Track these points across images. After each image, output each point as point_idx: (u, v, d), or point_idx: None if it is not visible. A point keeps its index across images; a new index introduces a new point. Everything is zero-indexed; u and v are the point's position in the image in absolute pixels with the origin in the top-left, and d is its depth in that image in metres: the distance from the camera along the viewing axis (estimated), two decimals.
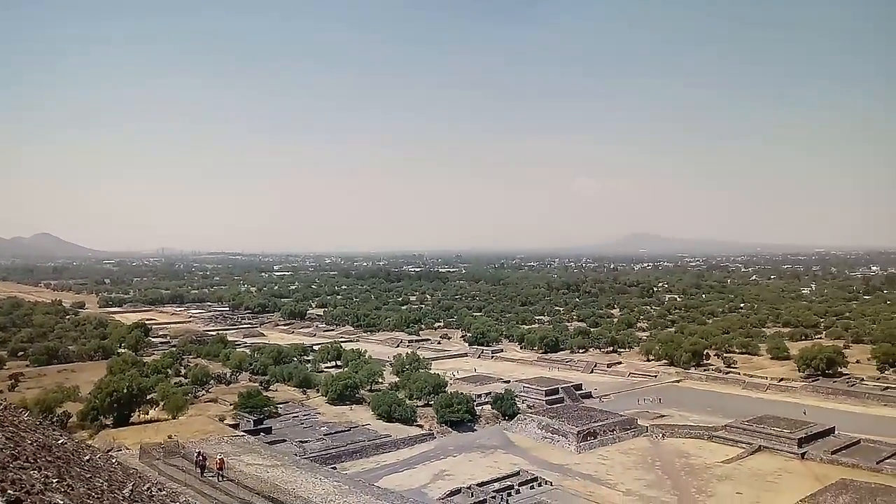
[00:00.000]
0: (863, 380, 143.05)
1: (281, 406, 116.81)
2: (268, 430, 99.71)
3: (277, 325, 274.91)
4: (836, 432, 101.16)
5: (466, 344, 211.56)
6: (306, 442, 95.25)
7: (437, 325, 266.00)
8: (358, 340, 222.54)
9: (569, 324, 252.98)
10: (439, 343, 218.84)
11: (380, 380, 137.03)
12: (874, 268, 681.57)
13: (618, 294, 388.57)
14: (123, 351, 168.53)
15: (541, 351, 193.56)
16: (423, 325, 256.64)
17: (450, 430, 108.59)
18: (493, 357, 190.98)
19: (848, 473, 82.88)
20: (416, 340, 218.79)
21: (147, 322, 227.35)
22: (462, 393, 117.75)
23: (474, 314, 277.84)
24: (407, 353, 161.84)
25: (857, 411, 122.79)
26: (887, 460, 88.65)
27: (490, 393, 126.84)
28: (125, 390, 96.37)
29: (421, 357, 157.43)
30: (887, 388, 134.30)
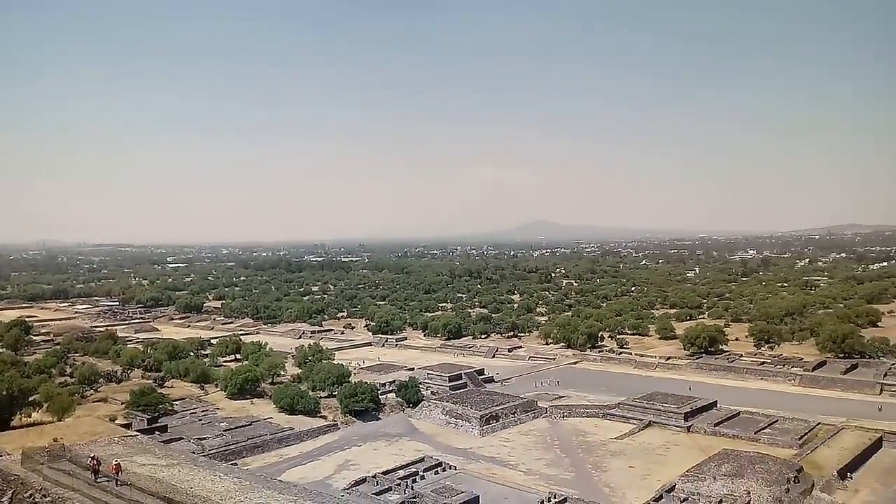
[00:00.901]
0: (741, 356, 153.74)
1: (177, 403, 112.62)
2: (163, 429, 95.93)
3: (172, 319, 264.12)
4: (718, 406, 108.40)
5: (370, 333, 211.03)
6: (205, 439, 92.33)
7: (340, 315, 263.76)
8: (258, 333, 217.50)
9: (471, 310, 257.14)
10: (343, 333, 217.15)
11: (281, 372, 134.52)
12: (751, 251, 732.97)
13: (518, 280, 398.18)
14: (1, 350, 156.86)
15: (444, 338, 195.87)
16: (325, 316, 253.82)
17: (354, 419, 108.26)
18: (397, 345, 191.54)
19: (729, 444, 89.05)
20: (319, 331, 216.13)
21: (27, 319, 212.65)
22: (366, 382, 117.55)
23: (378, 303, 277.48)
24: (309, 345, 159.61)
25: (736, 385, 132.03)
26: (763, 430, 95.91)
27: (394, 381, 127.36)
28: (4, 392, 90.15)
29: (324, 348, 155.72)
30: (763, 363, 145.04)
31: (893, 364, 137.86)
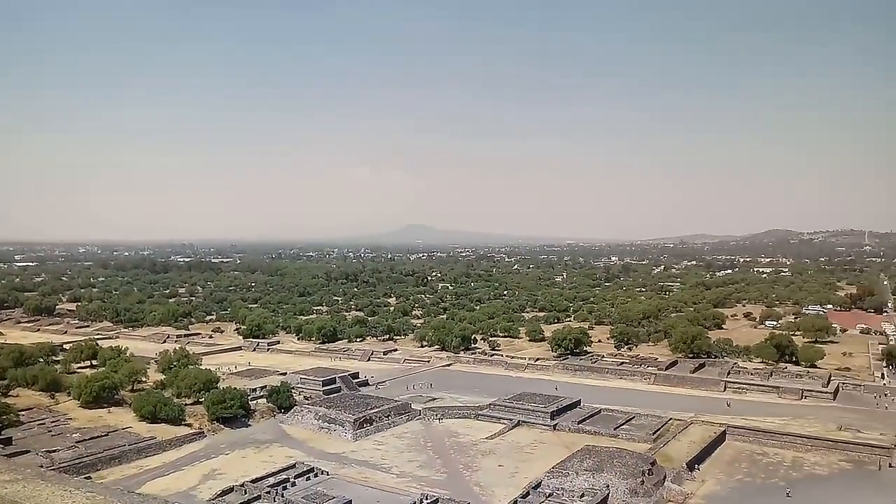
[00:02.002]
0: (603, 356, 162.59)
1: (23, 414, 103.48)
2: (6, 441, 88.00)
3: (19, 322, 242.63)
4: (582, 404, 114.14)
5: (241, 337, 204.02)
6: (54, 451, 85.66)
7: (209, 318, 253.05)
8: (118, 337, 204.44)
9: (347, 313, 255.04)
10: (211, 337, 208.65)
11: (143, 379, 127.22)
12: (613, 258, 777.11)
13: (395, 283, 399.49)
14: None
15: (319, 341, 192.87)
16: (193, 319, 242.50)
17: (222, 427, 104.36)
18: (269, 350, 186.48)
19: (591, 440, 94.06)
20: (186, 335, 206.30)
21: None
22: (235, 388, 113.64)
23: (249, 306, 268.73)
24: (175, 349, 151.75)
25: (599, 385, 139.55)
26: (622, 426, 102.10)
27: (266, 386, 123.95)
28: None
29: (190, 353, 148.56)
30: (622, 363, 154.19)
31: (735, 363, 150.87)
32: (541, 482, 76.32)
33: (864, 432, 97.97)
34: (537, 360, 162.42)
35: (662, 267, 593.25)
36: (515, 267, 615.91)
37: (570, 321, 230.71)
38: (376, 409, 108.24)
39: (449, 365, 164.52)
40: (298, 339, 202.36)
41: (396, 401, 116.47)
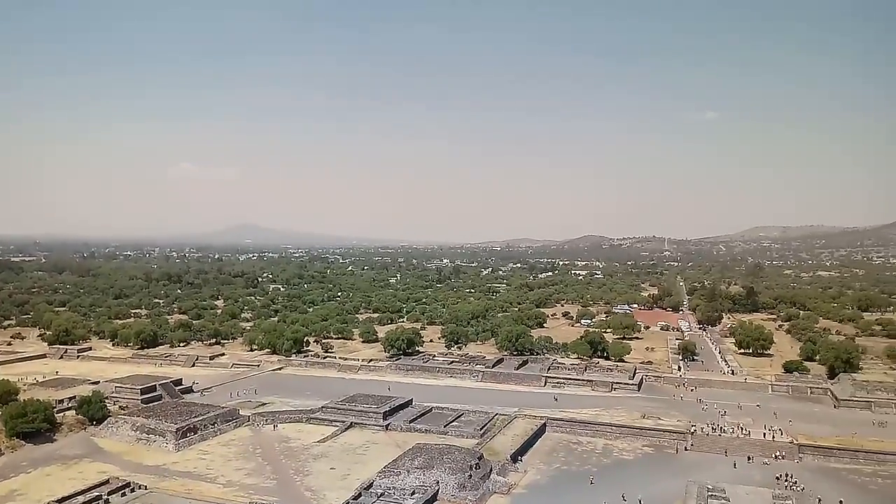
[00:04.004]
0: (434, 356, 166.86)
1: None
2: None
3: None
4: (414, 403, 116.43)
5: (46, 344, 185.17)
6: None
7: (7, 323, 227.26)
8: None
9: (170, 317, 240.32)
10: (10, 344, 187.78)
11: None
12: (445, 260, 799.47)
13: (222, 285, 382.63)
14: None
15: (137, 347, 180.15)
16: None
17: (23, 443, 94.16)
18: (79, 357, 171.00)
19: (422, 438, 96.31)
20: None
21: None
22: (39, 400, 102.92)
23: (56, 310, 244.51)
24: None
25: (430, 384, 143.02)
26: (451, 423, 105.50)
27: (75, 397, 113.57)
28: None
29: None
30: (452, 362, 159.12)
31: (555, 359, 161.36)
32: (373, 482, 77.02)
33: (664, 419, 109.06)
34: (371, 361, 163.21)
35: (490, 269, 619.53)
36: (350, 268, 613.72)
37: (403, 322, 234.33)
38: (201, 417, 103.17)
39: (280, 368, 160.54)
40: (114, 344, 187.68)
41: (223, 407, 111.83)
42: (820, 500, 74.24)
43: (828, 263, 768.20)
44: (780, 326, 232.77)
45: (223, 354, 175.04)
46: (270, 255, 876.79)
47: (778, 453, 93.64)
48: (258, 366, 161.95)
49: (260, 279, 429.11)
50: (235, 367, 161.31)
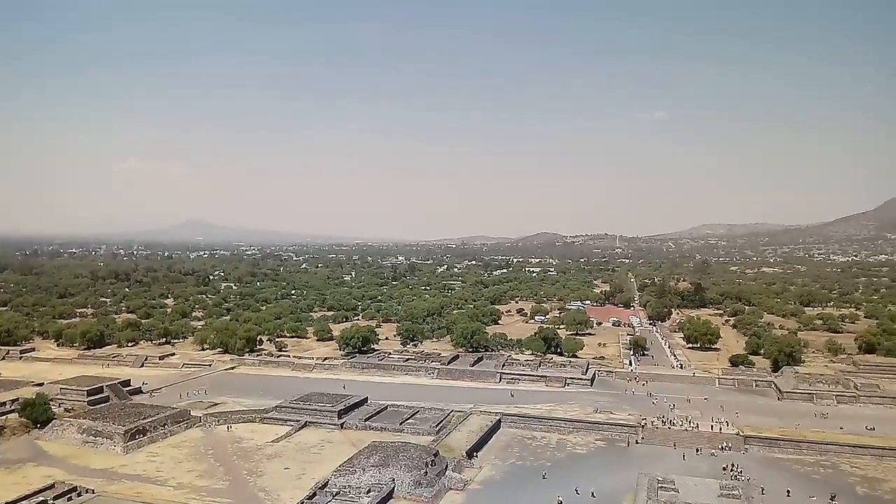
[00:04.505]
0: (390, 353, 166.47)
1: None
2: None
3: None
4: (369, 401, 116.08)
5: None
6: None
7: None
8: None
9: (117, 316, 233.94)
10: None
11: None
12: (400, 257, 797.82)
13: (172, 283, 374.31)
14: None
15: (83, 347, 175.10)
16: None
17: None
18: (22, 358, 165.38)
19: (378, 436, 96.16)
20: None
21: None
22: None
23: None
24: None
25: (386, 381, 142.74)
26: (407, 421, 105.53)
27: (17, 399, 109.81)
28: None
29: None
30: (408, 359, 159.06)
31: (510, 355, 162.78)
32: (328, 481, 76.59)
33: (616, 414, 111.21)
34: (325, 359, 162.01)
35: (445, 266, 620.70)
36: (304, 266, 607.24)
37: (358, 320, 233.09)
38: (151, 419, 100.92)
39: (233, 368, 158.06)
40: (58, 345, 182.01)
41: (174, 408, 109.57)
42: (763, 490, 76.92)
43: (771, 260, 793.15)
44: (727, 321, 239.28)
45: (173, 354, 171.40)
46: (222, 252, 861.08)
47: (725, 445, 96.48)
48: (210, 365, 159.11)
49: (211, 277, 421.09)
50: (186, 367, 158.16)
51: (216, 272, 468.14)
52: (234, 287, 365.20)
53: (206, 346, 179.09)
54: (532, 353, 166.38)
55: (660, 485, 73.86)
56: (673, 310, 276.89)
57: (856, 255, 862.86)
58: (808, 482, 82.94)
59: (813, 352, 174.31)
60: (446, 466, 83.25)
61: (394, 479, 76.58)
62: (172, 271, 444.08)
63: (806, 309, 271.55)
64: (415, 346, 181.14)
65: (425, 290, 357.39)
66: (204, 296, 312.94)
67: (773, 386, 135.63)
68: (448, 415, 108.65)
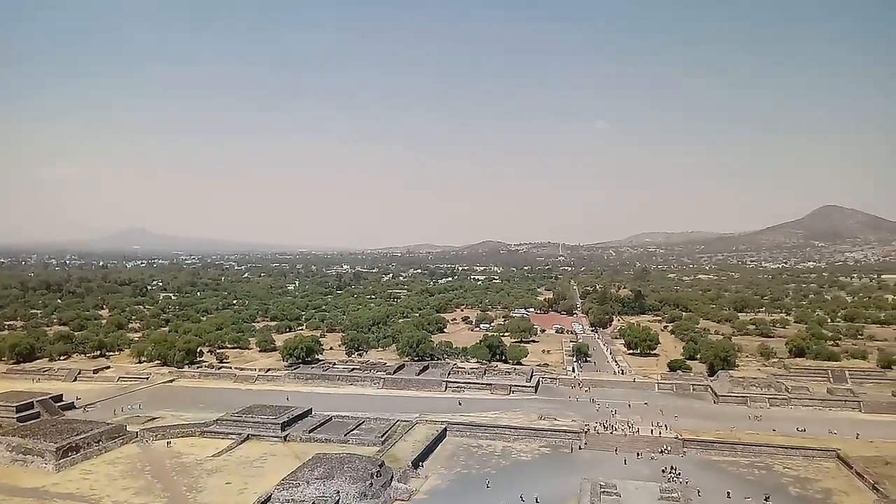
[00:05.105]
0: (335, 364, 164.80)
1: None
2: None
3: None
4: (313, 413, 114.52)
5: None
6: None
7: None
8: None
9: (48, 328, 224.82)
10: None
11: None
12: (345, 266, 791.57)
13: (108, 294, 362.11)
14: None
15: (12, 362, 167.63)
16: None
17: None
18: None
19: (322, 448, 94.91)
20: None
21: None
22: None
23: None
24: None
25: (331, 392, 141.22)
26: (352, 432, 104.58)
27: None
28: None
29: None
30: (353, 369, 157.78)
31: (455, 363, 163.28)
32: (271, 495, 75.24)
33: (560, 420, 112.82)
34: (268, 370, 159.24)
35: (391, 275, 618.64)
36: (246, 275, 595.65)
37: (302, 330, 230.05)
38: (84, 435, 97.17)
39: (172, 381, 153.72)
40: None
41: (109, 423, 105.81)
42: (699, 492, 79.24)
43: (707, 267, 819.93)
44: (666, 327, 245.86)
45: (109, 367, 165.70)
46: (161, 261, 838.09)
47: (664, 448, 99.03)
48: (147, 378, 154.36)
49: (149, 287, 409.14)
50: (122, 381, 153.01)
51: (154, 282, 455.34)
52: (173, 297, 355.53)
53: (143, 358, 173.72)
54: (477, 361, 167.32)
55: (602, 489, 75.28)
56: (614, 316, 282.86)
57: (785, 262, 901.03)
58: (744, 483, 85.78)
59: (746, 356, 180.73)
60: (392, 477, 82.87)
61: (339, 492, 75.80)
62: (108, 281, 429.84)
63: (739, 314, 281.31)
64: (360, 355, 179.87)
65: (371, 299, 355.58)
66: (141, 307, 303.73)
67: (709, 390, 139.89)
68: (394, 425, 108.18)
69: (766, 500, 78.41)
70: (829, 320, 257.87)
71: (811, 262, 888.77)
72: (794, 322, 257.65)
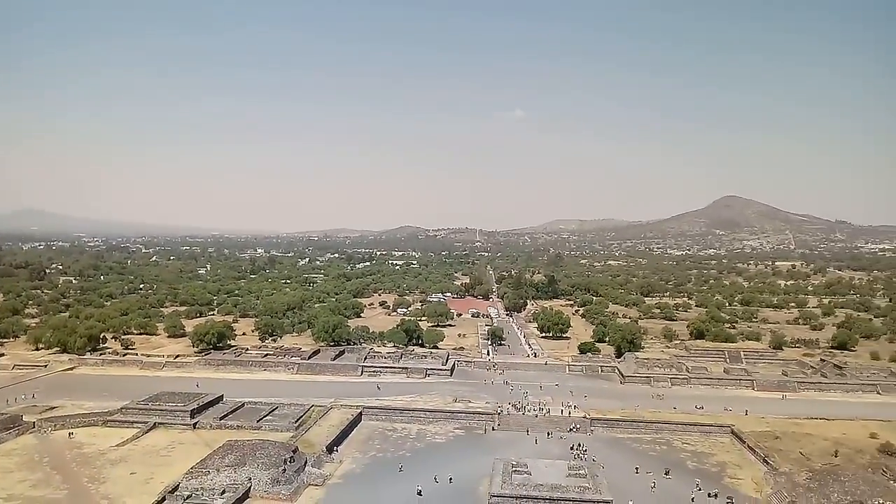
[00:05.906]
0: (248, 349, 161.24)
1: None
2: None
3: None
4: (224, 399, 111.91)
5: None
6: None
7: None
8: None
9: None
10: None
11: None
12: (259, 250, 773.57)
13: (2, 277, 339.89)
14: None
15: None
16: None
17: None
18: None
19: (234, 435, 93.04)
20: None
21: None
22: None
23: None
24: None
25: (243, 378, 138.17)
26: (265, 418, 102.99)
27: None
28: None
29: None
30: (267, 355, 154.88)
31: (372, 348, 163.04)
32: (178, 484, 73.26)
33: (474, 402, 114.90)
34: (177, 357, 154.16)
35: (307, 259, 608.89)
36: (154, 259, 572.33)
37: (213, 315, 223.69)
38: None
39: (72, 368, 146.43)
40: None
41: (3, 414, 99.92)
42: (604, 467, 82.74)
43: (617, 254, 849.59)
44: (577, 311, 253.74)
45: (3, 355, 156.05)
46: (61, 243, 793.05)
47: (573, 427, 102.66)
48: (45, 366, 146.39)
49: (48, 270, 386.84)
50: (18, 369, 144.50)
51: (53, 265, 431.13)
52: (74, 281, 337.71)
53: (41, 345, 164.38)
54: (394, 346, 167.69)
55: (514, 468, 77.37)
56: (528, 301, 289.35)
57: (689, 250, 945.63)
58: (646, 459, 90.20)
59: (651, 338, 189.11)
60: (305, 462, 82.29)
61: (250, 479, 74.67)
62: (2, 264, 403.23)
63: (646, 299, 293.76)
64: (274, 341, 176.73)
65: (286, 283, 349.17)
66: (39, 291, 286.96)
67: (616, 371, 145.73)
68: (308, 410, 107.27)
69: (665, 474, 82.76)
70: (727, 304, 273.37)
71: (712, 250, 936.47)
72: (696, 306, 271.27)
